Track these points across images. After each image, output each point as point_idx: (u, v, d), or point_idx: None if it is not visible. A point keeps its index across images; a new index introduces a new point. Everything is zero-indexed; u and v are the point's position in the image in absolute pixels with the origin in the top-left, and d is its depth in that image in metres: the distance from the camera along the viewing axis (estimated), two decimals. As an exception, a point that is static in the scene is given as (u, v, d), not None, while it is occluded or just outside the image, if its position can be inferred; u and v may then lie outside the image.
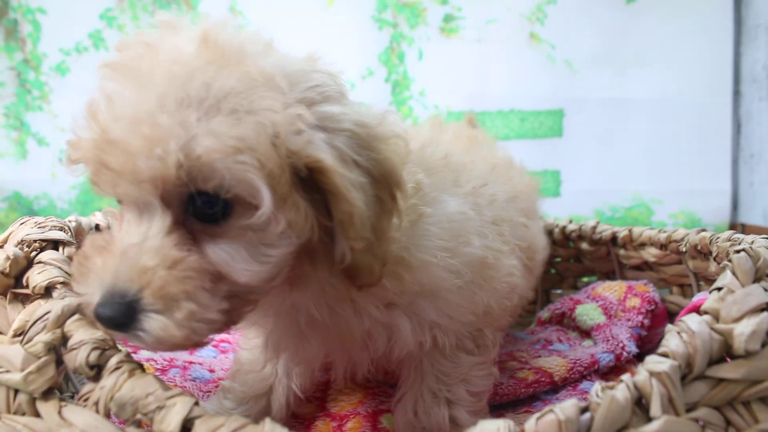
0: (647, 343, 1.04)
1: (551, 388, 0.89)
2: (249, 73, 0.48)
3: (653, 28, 1.75)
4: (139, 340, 0.48)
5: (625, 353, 0.96)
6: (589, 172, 1.78)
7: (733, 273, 0.53)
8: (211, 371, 0.90)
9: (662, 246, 1.05)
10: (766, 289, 0.52)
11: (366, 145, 0.53)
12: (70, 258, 0.61)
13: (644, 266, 1.13)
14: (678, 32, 1.74)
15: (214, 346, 0.98)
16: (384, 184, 0.54)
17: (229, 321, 0.52)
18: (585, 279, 1.27)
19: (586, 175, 1.78)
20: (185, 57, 0.48)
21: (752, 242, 0.62)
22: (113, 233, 0.50)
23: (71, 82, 1.81)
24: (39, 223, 0.66)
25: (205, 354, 0.95)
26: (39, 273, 0.58)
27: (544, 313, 1.14)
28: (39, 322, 0.54)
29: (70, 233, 0.68)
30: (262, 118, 0.47)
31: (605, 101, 1.77)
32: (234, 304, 0.51)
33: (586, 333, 1.04)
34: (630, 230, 1.11)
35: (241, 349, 0.80)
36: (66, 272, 0.59)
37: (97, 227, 0.86)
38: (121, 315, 0.46)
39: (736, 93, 1.75)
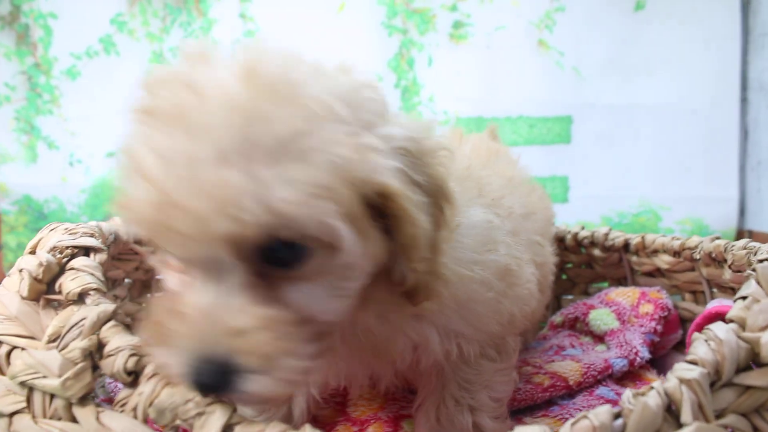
0: (660, 349, 1.06)
1: (567, 393, 0.90)
2: (305, 105, 0.45)
3: (661, 35, 1.76)
4: (239, 400, 0.48)
5: (638, 359, 0.97)
6: (596, 178, 1.79)
7: (758, 282, 0.54)
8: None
9: (675, 253, 1.06)
10: (790, 298, 0.53)
11: (419, 161, 0.51)
12: (101, 264, 0.62)
13: (656, 273, 1.14)
14: (685, 40, 1.76)
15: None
16: (436, 199, 0.53)
17: (318, 359, 0.50)
18: (596, 285, 1.28)
19: (594, 181, 1.79)
20: (234, 97, 0.43)
21: (772, 251, 0.63)
22: (184, 295, 0.47)
23: (82, 86, 1.82)
24: (69, 230, 0.67)
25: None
26: (72, 279, 0.59)
27: (557, 318, 1.15)
28: (75, 328, 0.55)
29: (100, 240, 0.69)
30: (332, 155, 0.44)
31: (613, 108, 1.78)
32: (319, 342, 0.50)
33: (599, 338, 1.05)
34: (643, 237, 1.12)
35: None
36: (98, 278, 0.60)
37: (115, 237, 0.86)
38: (218, 381, 0.45)
39: (744, 100, 1.76)
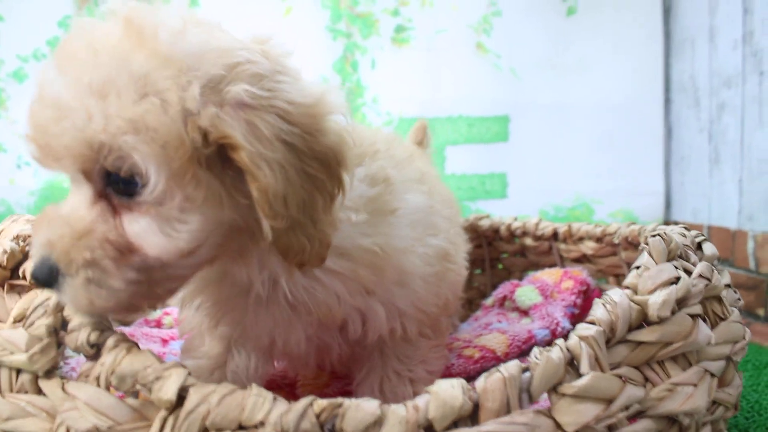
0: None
1: (496, 365, 0.97)
2: (157, 53, 0.51)
3: (591, 38, 1.88)
4: (64, 302, 0.55)
5: (559, 329, 1.06)
6: (533, 174, 1.89)
7: (649, 254, 0.62)
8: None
9: (598, 239, 1.15)
10: (676, 267, 0.61)
11: (296, 122, 0.53)
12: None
13: (583, 259, 1.23)
14: (614, 43, 1.87)
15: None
16: (321, 161, 0.54)
17: (150, 294, 0.56)
18: (530, 273, 1.36)
19: (531, 177, 1.89)
20: (108, 41, 0.51)
21: (667, 229, 0.72)
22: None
23: (29, 88, 1.81)
24: (30, 220, 0.71)
25: (177, 348, 1.00)
26: (35, 265, 0.63)
27: (489, 300, 1.23)
28: (39, 308, 0.59)
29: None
30: (154, 98, 0.50)
31: (548, 107, 1.88)
32: (149, 277, 0.54)
33: (524, 312, 1.13)
34: (569, 226, 1.21)
35: (181, 322, 0.81)
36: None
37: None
38: (44, 276, 0.52)
39: (667, 101, 1.88)
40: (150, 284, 0.55)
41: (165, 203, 0.52)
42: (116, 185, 0.52)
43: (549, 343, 1.03)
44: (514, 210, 1.80)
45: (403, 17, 1.87)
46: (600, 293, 1.17)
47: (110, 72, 0.50)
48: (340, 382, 0.89)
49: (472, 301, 1.35)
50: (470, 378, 0.94)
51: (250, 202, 0.53)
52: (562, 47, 1.88)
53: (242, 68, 0.53)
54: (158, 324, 1.13)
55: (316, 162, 0.54)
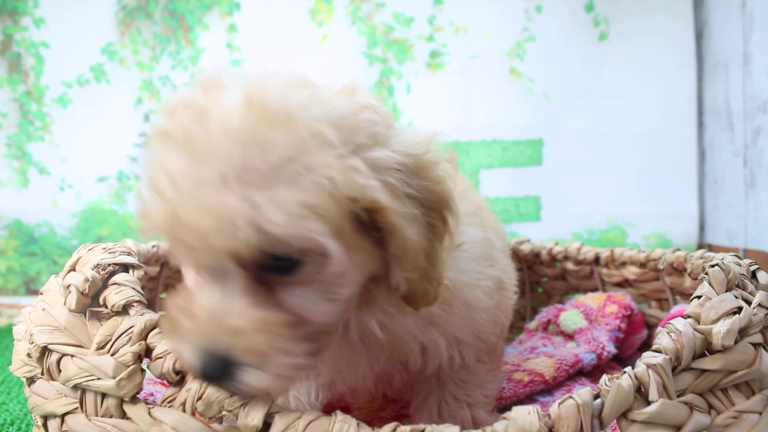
0: (627, 348, 1.16)
1: (545, 389, 0.99)
2: (298, 132, 0.49)
3: (624, 63, 1.90)
4: (238, 390, 0.53)
5: (605, 353, 1.07)
6: (567, 197, 1.91)
7: (710, 284, 0.64)
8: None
9: (641, 264, 1.17)
10: (736, 297, 0.63)
11: (415, 174, 0.55)
12: (139, 279, 0.70)
13: (625, 283, 1.24)
14: (646, 67, 1.89)
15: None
16: (436, 210, 0.57)
17: (314, 357, 0.57)
18: (570, 296, 1.37)
19: (565, 201, 1.91)
20: (234, 124, 0.49)
21: (723, 258, 0.74)
22: (194, 296, 0.54)
23: (73, 113, 1.89)
24: (108, 249, 0.74)
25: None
26: (116, 293, 0.66)
27: (532, 324, 1.25)
28: (124, 335, 0.62)
29: (137, 257, 0.77)
30: (318, 177, 0.49)
31: (581, 131, 1.90)
32: (315, 342, 0.55)
33: (569, 336, 1.15)
34: (612, 251, 1.23)
35: None
36: (139, 291, 0.67)
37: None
38: (219, 372, 0.51)
39: (700, 124, 1.89)
40: (315, 349, 0.56)
41: (339, 274, 0.53)
42: (273, 267, 0.51)
43: (595, 368, 1.07)
44: (548, 232, 1.82)
45: (437, 43, 1.91)
46: (643, 318, 1.18)
47: (256, 158, 0.48)
48: (394, 405, 0.91)
49: (513, 324, 1.36)
50: (520, 401, 0.96)
51: (386, 256, 0.56)
52: (594, 72, 1.90)
53: (370, 132, 0.54)
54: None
55: (433, 211, 0.57)
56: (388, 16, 1.90)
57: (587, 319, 1.14)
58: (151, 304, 1.17)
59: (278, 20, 1.90)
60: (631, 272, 1.20)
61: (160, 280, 1.18)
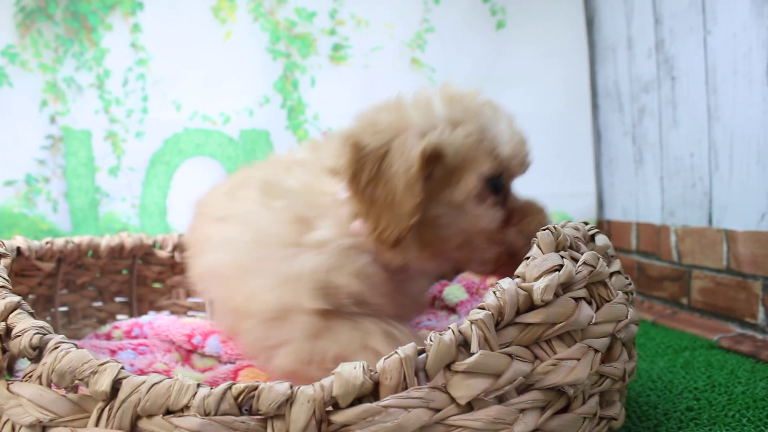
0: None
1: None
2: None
3: (521, 51, 1.97)
4: None
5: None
6: (471, 181, 1.97)
7: (538, 246, 0.69)
8: (131, 365, 1.00)
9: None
10: (563, 257, 0.68)
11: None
12: (6, 267, 0.72)
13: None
14: (543, 54, 1.97)
15: (133, 349, 1.08)
16: None
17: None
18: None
19: (470, 184, 1.97)
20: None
21: (564, 225, 0.79)
22: None
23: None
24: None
25: (124, 357, 1.05)
26: (-20, 280, 0.68)
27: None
28: (-16, 316, 0.64)
29: (3, 248, 0.79)
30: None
31: (482, 117, 1.96)
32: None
33: (452, 309, 1.21)
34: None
35: None
36: (3, 277, 0.69)
37: (19, 250, 0.95)
38: None
39: (595, 106, 1.99)
40: None
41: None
42: None
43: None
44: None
45: (339, 36, 1.95)
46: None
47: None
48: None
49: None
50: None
51: None
52: (494, 60, 1.97)
53: None
54: (108, 337, 1.18)
55: None
56: (290, 12, 1.93)
57: (469, 292, 1.20)
58: (51, 300, 1.19)
59: (182, 19, 1.91)
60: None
61: (58, 276, 1.19)
